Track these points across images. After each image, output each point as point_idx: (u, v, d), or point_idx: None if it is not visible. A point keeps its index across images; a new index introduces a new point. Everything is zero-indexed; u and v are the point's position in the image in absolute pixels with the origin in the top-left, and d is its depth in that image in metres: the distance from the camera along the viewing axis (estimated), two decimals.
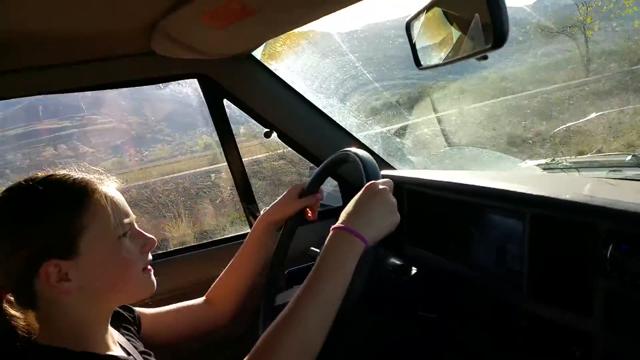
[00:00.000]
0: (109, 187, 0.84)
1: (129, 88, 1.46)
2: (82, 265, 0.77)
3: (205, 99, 1.51)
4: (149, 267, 0.88)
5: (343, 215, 0.87)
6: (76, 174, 0.82)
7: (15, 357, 0.77)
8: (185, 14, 0.99)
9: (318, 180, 1.25)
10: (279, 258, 1.27)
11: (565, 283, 0.93)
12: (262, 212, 1.25)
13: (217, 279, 1.23)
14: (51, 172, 0.81)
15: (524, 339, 1.00)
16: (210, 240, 1.66)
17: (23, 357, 0.77)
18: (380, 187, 0.90)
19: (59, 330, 0.78)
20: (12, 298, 0.80)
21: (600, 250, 0.81)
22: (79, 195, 0.78)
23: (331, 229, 0.85)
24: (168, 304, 1.16)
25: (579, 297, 0.87)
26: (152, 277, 0.88)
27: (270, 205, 1.24)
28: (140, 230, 0.87)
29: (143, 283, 0.86)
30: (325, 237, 1.08)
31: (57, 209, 0.76)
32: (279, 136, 1.63)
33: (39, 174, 0.80)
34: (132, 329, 1.01)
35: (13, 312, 0.80)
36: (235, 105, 1.54)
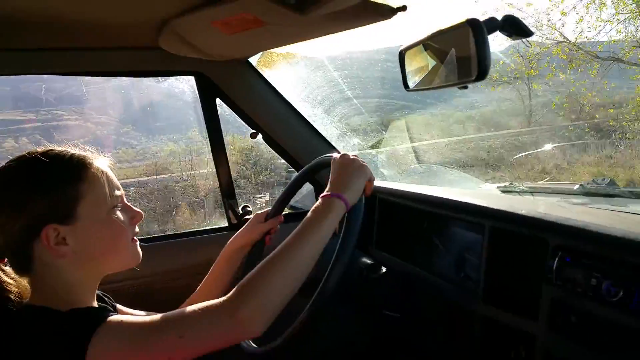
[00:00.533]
0: (103, 162, 0.92)
1: (105, 87, 1.52)
2: (78, 230, 0.84)
3: (199, 96, 1.59)
4: (135, 238, 0.96)
5: (328, 186, 0.99)
6: (73, 149, 0.90)
7: (9, 319, 0.83)
8: (198, 17, 1.08)
9: (283, 203, 1.32)
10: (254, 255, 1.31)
11: (516, 290, 1.05)
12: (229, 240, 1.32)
13: (193, 293, 1.28)
14: (51, 147, 0.89)
15: (478, 339, 1.10)
16: (188, 230, 1.71)
17: (16, 318, 0.83)
18: (352, 156, 1.04)
19: (51, 292, 0.85)
20: (5, 267, 0.87)
21: (548, 262, 0.93)
22: (77, 167, 0.87)
23: (320, 197, 0.97)
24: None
25: (528, 303, 0.98)
26: (138, 248, 0.97)
27: (239, 231, 1.30)
28: (129, 204, 0.96)
29: (131, 252, 0.94)
30: None
31: (57, 178, 0.84)
32: (263, 138, 1.72)
33: (38, 149, 0.88)
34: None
35: (6, 279, 0.87)
36: (227, 105, 1.62)
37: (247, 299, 0.80)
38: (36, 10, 1.02)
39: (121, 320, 0.77)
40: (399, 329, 1.36)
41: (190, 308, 0.80)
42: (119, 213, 0.91)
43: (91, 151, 0.92)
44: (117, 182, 0.93)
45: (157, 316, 0.79)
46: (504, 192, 1.63)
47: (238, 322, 0.78)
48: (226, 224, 1.73)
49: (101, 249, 0.89)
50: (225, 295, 1.23)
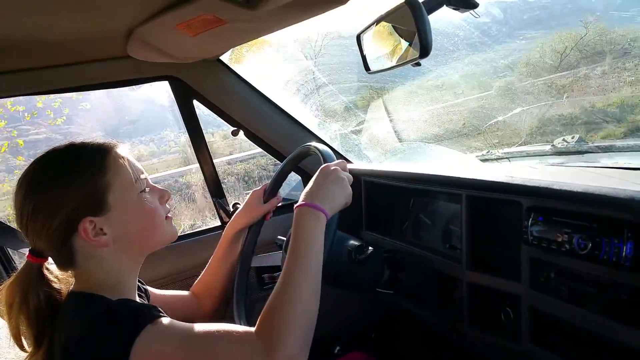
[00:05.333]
0: (123, 148, 0.94)
1: (73, 99, 1.54)
2: (113, 218, 0.87)
3: (175, 99, 1.60)
4: (169, 215, 0.99)
5: (303, 195, 0.97)
6: (92, 140, 0.92)
7: (57, 309, 0.88)
8: (162, 22, 1.09)
9: (279, 181, 1.37)
10: (246, 258, 1.37)
11: (499, 254, 1.08)
12: (229, 221, 1.36)
13: (199, 277, 1.34)
14: (70, 142, 0.91)
15: (468, 305, 1.14)
16: (181, 234, 1.73)
17: (64, 305, 0.88)
18: (333, 167, 1.02)
19: (95, 281, 0.88)
20: (49, 266, 0.90)
21: (524, 223, 0.96)
22: (100, 156, 0.89)
23: (294, 207, 0.96)
24: None
25: (510, 265, 1.02)
26: (173, 224, 1.00)
27: (235, 213, 1.35)
28: (154, 185, 0.98)
29: (168, 229, 0.97)
30: (289, 228, 1.20)
31: (84, 171, 0.86)
32: (245, 134, 1.73)
33: (58, 146, 0.90)
34: (143, 296, 1.12)
35: (51, 277, 0.90)
36: (205, 106, 1.64)
37: (282, 337, 0.77)
38: (2, 32, 1.03)
39: (169, 325, 0.79)
40: (394, 304, 1.39)
41: (230, 336, 0.80)
42: (148, 195, 0.93)
43: (108, 140, 0.94)
44: (140, 166, 0.96)
45: (200, 331, 0.79)
46: (482, 160, 1.66)
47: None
48: (219, 223, 1.76)
49: (139, 232, 0.92)
50: (228, 280, 1.31)
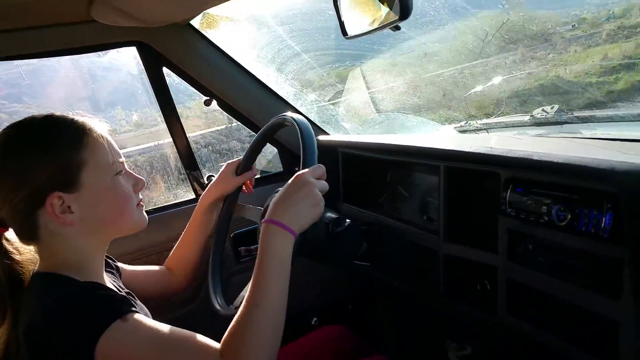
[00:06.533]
0: (103, 128, 0.89)
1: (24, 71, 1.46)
2: (83, 197, 0.84)
3: (144, 67, 1.52)
4: (141, 203, 0.96)
5: (272, 207, 0.91)
6: (73, 114, 0.87)
7: (19, 286, 0.84)
8: None
9: (253, 153, 1.32)
10: (221, 233, 1.33)
11: (476, 226, 1.08)
12: (203, 192, 1.32)
13: (172, 250, 1.31)
14: (50, 113, 0.86)
15: (444, 277, 1.14)
16: (154, 207, 1.68)
17: (29, 285, 0.84)
18: (308, 179, 0.93)
19: (60, 261, 0.84)
20: (9, 236, 0.86)
21: (502, 194, 0.95)
22: (78, 132, 0.85)
23: (262, 222, 0.90)
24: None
25: (487, 237, 1.01)
26: (144, 212, 0.97)
27: (209, 185, 1.31)
28: (131, 171, 0.95)
29: (138, 217, 0.94)
30: (266, 201, 1.17)
31: (59, 144, 0.82)
32: (218, 104, 1.67)
33: (37, 115, 0.85)
34: (115, 273, 1.08)
35: (10, 248, 0.86)
36: (175, 74, 1.57)
37: (242, 356, 0.76)
38: None
39: (138, 324, 0.75)
40: (371, 276, 1.39)
41: (193, 352, 0.77)
42: (122, 180, 0.90)
43: (89, 117, 0.89)
44: (118, 149, 0.92)
45: (166, 341, 0.76)
46: (460, 132, 1.65)
47: None
48: (193, 196, 1.71)
49: (107, 216, 0.88)
50: (203, 253, 1.29)
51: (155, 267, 1.28)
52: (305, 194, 0.91)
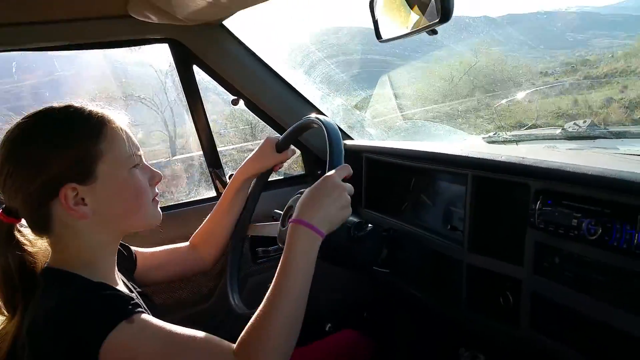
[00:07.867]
0: (123, 120, 0.88)
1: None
2: (98, 190, 0.82)
3: (175, 64, 1.55)
4: (157, 199, 0.95)
5: (300, 208, 0.91)
6: (93, 105, 0.86)
7: (31, 279, 0.83)
8: None
9: (292, 137, 1.30)
10: (241, 230, 1.34)
11: (501, 237, 1.06)
12: (237, 170, 1.32)
13: (200, 227, 1.31)
14: (69, 103, 0.85)
15: (467, 288, 1.12)
16: (174, 203, 1.69)
17: (40, 280, 0.83)
18: (338, 181, 0.94)
19: (71, 255, 0.83)
20: (21, 229, 0.85)
21: (531, 206, 0.93)
22: (97, 123, 0.83)
23: (289, 222, 0.90)
24: None
25: (513, 249, 0.99)
26: (159, 208, 0.95)
27: (245, 160, 1.30)
28: (148, 164, 0.93)
29: (152, 212, 0.92)
30: (286, 202, 1.17)
31: (76, 135, 0.81)
32: (245, 104, 1.68)
33: (55, 104, 0.84)
34: (128, 267, 1.08)
35: (23, 240, 0.85)
36: (205, 72, 1.58)
37: (257, 356, 0.76)
38: None
39: (144, 326, 0.75)
40: (390, 283, 1.38)
41: (205, 353, 0.77)
42: (139, 173, 0.89)
43: (110, 108, 0.88)
44: (137, 142, 0.91)
45: (177, 340, 0.76)
46: (489, 142, 1.63)
47: None
48: (214, 194, 1.72)
49: (121, 210, 0.87)
50: (231, 230, 1.30)
51: (179, 245, 1.28)
52: (336, 196, 0.91)
